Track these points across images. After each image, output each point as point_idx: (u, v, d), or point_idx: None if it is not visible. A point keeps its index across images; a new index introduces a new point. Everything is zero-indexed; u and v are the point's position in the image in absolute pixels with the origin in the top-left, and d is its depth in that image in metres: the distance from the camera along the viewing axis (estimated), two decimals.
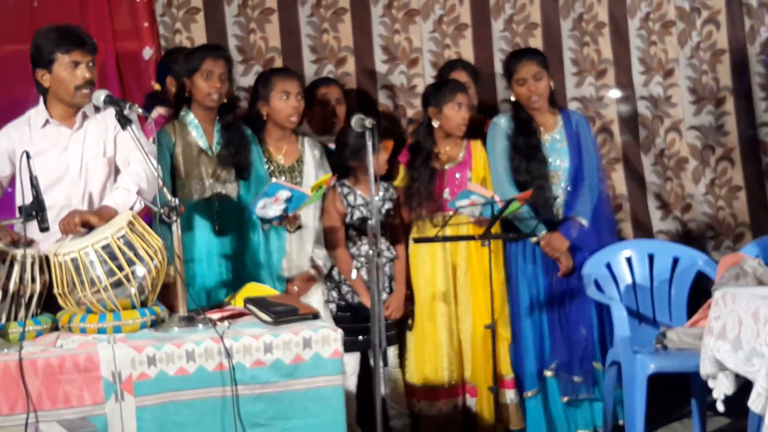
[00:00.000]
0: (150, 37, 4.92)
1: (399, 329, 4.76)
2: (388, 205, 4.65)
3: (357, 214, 4.59)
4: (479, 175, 4.84)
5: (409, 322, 4.81)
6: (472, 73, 5.15)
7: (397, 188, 4.76)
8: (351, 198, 4.59)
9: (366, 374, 4.58)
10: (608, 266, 4.84)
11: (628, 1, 5.68)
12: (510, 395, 4.83)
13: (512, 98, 4.87)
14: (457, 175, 4.81)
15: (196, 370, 3.15)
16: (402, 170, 4.83)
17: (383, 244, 4.58)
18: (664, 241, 4.74)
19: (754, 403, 3.44)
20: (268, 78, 4.53)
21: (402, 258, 4.72)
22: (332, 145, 4.75)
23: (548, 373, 4.83)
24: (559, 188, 4.82)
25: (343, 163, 4.57)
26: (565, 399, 4.83)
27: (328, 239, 4.59)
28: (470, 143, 4.88)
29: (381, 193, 4.63)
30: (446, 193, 4.79)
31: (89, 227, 3.41)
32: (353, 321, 4.52)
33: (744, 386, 3.59)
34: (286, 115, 4.45)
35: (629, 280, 4.85)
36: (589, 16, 5.65)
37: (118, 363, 3.09)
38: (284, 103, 4.44)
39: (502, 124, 4.86)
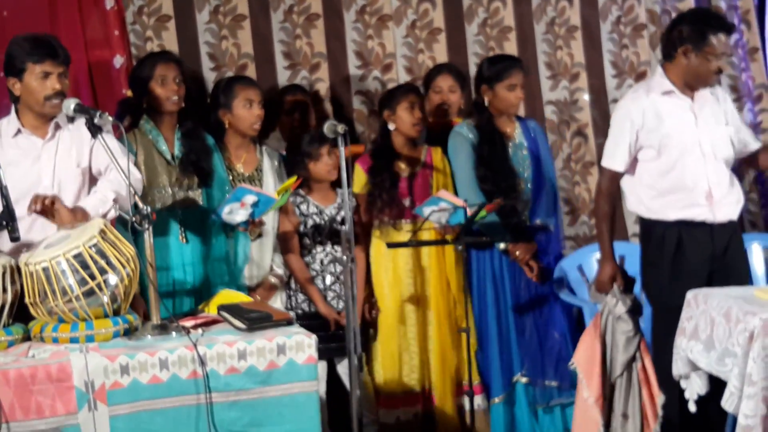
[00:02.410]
0: (121, 45, 4.90)
1: (363, 336, 4.74)
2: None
3: (311, 223, 4.59)
4: (440, 181, 4.84)
5: (371, 331, 4.80)
6: (458, 77, 5.17)
7: (356, 195, 4.75)
8: (304, 207, 4.60)
9: (332, 382, 4.58)
10: (580, 268, 4.85)
11: (600, 5, 5.71)
12: (477, 401, 4.83)
13: (485, 102, 4.85)
14: (419, 181, 4.81)
15: (169, 379, 3.14)
16: (360, 176, 4.82)
17: (341, 252, 4.59)
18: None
19: (728, 402, 3.46)
20: (230, 86, 4.54)
21: (362, 266, 4.72)
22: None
23: (520, 379, 4.82)
24: (525, 195, 4.84)
25: (297, 172, 4.56)
26: (540, 406, 4.83)
27: (283, 247, 4.60)
28: (431, 149, 4.89)
29: (338, 201, 4.63)
30: (407, 201, 4.78)
31: (53, 216, 3.40)
32: (312, 329, 4.51)
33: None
34: (250, 124, 4.46)
35: None
36: (561, 20, 5.68)
37: (91, 372, 3.07)
38: (248, 111, 4.46)
39: (464, 132, 4.84)
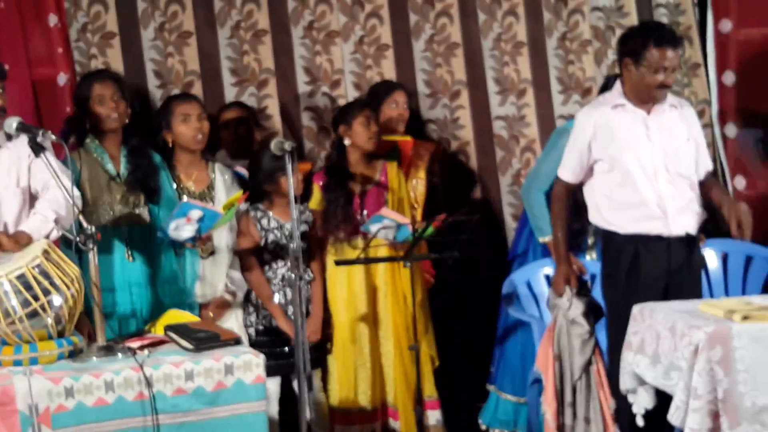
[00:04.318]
0: (65, 62, 4.85)
1: (320, 353, 4.74)
2: (303, 228, 4.63)
3: (271, 238, 4.57)
4: (395, 197, 4.86)
5: (328, 345, 4.79)
6: (408, 94, 5.21)
7: (313, 211, 4.75)
8: (265, 222, 4.58)
9: (287, 399, 4.56)
10: (528, 284, 4.88)
11: (546, 21, 5.76)
12: (435, 416, 4.83)
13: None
14: (377, 201, 4.82)
15: (115, 401, 3.11)
16: (317, 192, 4.81)
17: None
18: (579, 256, 4.78)
19: (674, 416, 3.49)
20: (167, 105, 4.56)
21: (319, 280, 4.71)
22: (241, 169, 4.73)
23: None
24: None
25: (257, 187, 4.55)
26: None
27: (243, 263, 4.57)
28: (386, 165, 4.90)
29: (296, 215, 4.62)
30: (364, 216, 4.79)
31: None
32: (272, 345, 4.50)
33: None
34: (190, 137, 4.44)
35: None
36: (507, 35, 5.72)
37: (35, 395, 3.03)
38: (185, 126, 4.44)
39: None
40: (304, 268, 4.58)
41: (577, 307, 4.11)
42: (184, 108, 4.46)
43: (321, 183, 4.82)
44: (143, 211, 4.28)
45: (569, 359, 4.11)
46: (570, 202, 4.37)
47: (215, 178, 4.54)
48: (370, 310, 4.78)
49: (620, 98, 4.19)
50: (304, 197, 4.73)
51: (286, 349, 4.47)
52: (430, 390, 4.83)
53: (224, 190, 4.53)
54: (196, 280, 4.44)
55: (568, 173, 4.29)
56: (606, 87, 4.67)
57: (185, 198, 4.32)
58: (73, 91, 4.46)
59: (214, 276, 4.51)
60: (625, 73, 4.18)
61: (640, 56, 4.08)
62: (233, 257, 4.56)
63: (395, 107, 5.10)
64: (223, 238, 4.50)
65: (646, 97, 4.16)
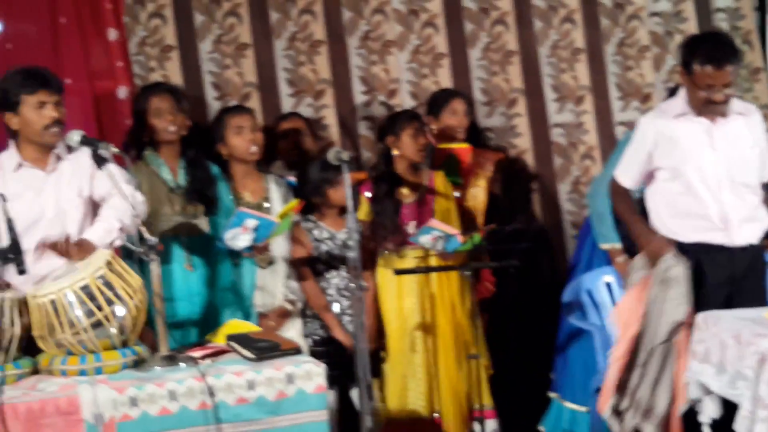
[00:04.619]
0: (124, 76, 4.91)
1: (374, 362, 4.72)
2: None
3: (324, 248, 4.58)
4: (442, 207, 4.84)
5: (382, 354, 4.78)
6: (469, 103, 5.21)
7: (362, 222, 4.74)
8: (316, 232, 4.59)
9: (344, 410, 4.55)
10: (589, 292, 4.84)
11: (603, 27, 5.72)
12: (492, 425, 4.81)
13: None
14: (423, 206, 4.81)
15: (179, 410, 3.12)
16: (364, 203, 4.81)
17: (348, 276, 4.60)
18: None
19: (741, 426, 3.43)
20: (220, 117, 4.59)
21: (371, 290, 4.70)
22: (291, 178, 4.75)
23: None
24: None
25: (308, 198, 4.56)
26: None
27: (297, 273, 4.59)
28: (433, 174, 4.88)
29: (353, 225, 4.63)
30: (412, 226, 4.77)
31: (63, 254, 3.40)
32: (329, 355, 4.50)
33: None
34: (245, 149, 4.47)
35: (610, 306, 4.82)
36: (565, 42, 5.69)
37: (100, 405, 3.05)
38: (239, 138, 4.47)
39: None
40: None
41: (679, 268, 4.00)
42: (237, 120, 4.49)
43: (369, 194, 4.82)
44: (202, 222, 4.31)
45: (656, 320, 3.99)
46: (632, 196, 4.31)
47: (270, 189, 4.57)
48: (422, 319, 4.76)
49: (683, 107, 4.12)
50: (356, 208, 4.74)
51: (343, 359, 4.46)
52: (486, 399, 4.80)
53: (280, 200, 4.54)
54: (255, 289, 4.46)
55: (626, 179, 4.24)
56: (672, 94, 4.61)
57: (241, 208, 4.34)
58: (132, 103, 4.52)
59: (273, 285, 4.52)
60: (682, 82, 4.12)
61: (689, 70, 4.02)
62: (291, 268, 4.57)
63: (454, 115, 5.09)
64: (281, 248, 4.51)
65: (698, 108, 4.08)
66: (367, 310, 4.64)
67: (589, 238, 5.00)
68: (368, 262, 4.72)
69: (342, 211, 4.62)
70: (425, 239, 4.57)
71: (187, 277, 4.26)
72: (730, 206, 4.06)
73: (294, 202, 4.29)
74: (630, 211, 4.29)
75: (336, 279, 4.59)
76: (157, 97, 4.30)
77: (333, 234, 4.59)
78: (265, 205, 4.53)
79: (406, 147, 4.76)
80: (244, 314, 4.35)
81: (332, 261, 4.59)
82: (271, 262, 4.51)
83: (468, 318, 4.78)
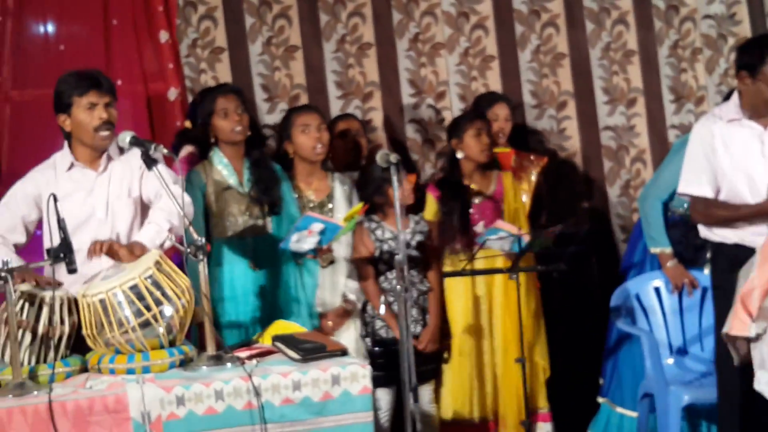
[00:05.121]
0: (175, 78, 4.96)
1: (436, 363, 4.72)
2: (419, 238, 4.63)
3: (386, 248, 4.58)
4: (511, 208, 4.84)
5: (445, 355, 4.78)
6: (511, 107, 5.19)
7: (430, 222, 4.74)
8: (379, 232, 4.59)
9: (402, 409, 4.54)
10: (637, 297, 4.79)
11: (656, 29, 5.66)
12: (546, 428, 4.78)
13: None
14: (491, 207, 4.80)
15: (225, 410, 3.14)
16: (431, 203, 4.81)
17: (416, 277, 4.58)
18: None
19: None
20: (288, 116, 4.61)
21: (436, 290, 4.69)
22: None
23: None
24: None
25: (369, 199, 4.57)
26: None
27: (359, 273, 4.59)
28: (501, 175, 4.88)
29: (411, 226, 4.63)
30: (480, 227, 4.77)
31: (115, 257, 3.43)
32: (387, 356, 4.50)
33: None
34: (310, 148, 4.48)
35: (659, 311, 4.78)
36: (617, 44, 5.64)
37: (147, 403, 3.09)
38: (305, 136, 4.49)
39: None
40: (420, 278, 4.62)
41: None
42: (304, 119, 4.51)
43: (436, 195, 4.82)
44: (267, 222, 4.34)
45: None
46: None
47: (335, 188, 4.58)
48: (486, 320, 4.76)
49: (736, 112, 4.05)
50: (416, 208, 4.73)
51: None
52: (542, 402, 4.77)
53: (343, 199, 4.56)
54: (317, 289, 4.48)
55: (705, 188, 4.06)
56: (727, 98, 4.54)
57: (308, 211, 4.36)
58: (193, 104, 4.54)
59: (333, 285, 4.54)
60: (741, 87, 4.03)
61: (757, 70, 3.93)
62: (352, 267, 4.58)
63: (495, 120, 5.08)
64: (342, 248, 4.53)
65: (763, 111, 4.02)
66: (432, 310, 4.64)
67: (640, 242, 4.95)
68: (433, 262, 4.71)
69: (405, 211, 4.63)
70: (492, 240, 4.56)
71: (252, 276, 4.29)
72: None
73: (359, 206, 4.31)
74: (726, 207, 4.05)
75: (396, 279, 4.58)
76: (224, 97, 4.33)
77: (395, 234, 4.59)
78: (329, 205, 4.54)
79: (469, 148, 4.77)
80: (307, 314, 4.37)
81: (393, 261, 4.58)
82: (332, 262, 4.52)
83: (532, 319, 4.78)
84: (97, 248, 3.48)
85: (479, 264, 4.69)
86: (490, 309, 4.78)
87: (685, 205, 4.57)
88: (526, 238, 4.56)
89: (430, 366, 4.65)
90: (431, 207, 4.82)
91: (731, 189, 4.02)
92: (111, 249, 3.49)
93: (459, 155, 4.80)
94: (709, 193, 4.10)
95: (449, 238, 4.75)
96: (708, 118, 4.16)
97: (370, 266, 4.59)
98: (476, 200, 4.83)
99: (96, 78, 3.71)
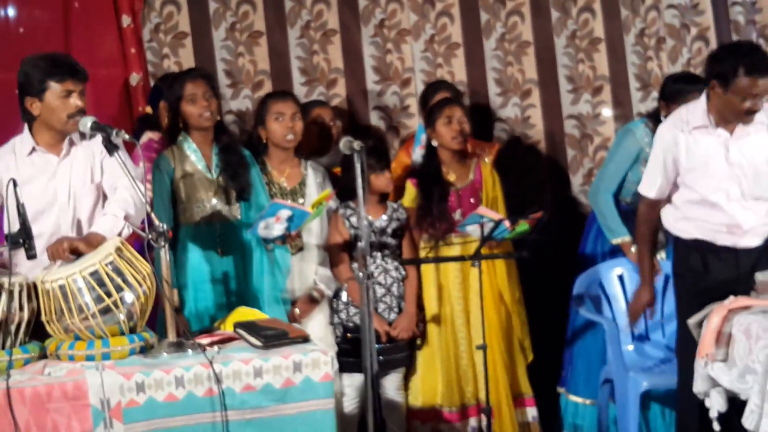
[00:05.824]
0: (137, 63, 4.93)
1: (410, 351, 4.72)
2: (395, 225, 4.63)
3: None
4: (489, 196, 4.84)
5: (418, 342, 4.78)
6: (454, 93, 5.14)
7: (408, 208, 4.75)
8: (354, 219, 4.58)
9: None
10: (600, 284, 4.82)
11: (623, 18, 5.68)
12: (532, 413, 4.83)
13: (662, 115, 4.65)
14: (471, 200, 4.81)
15: (185, 396, 3.14)
16: (410, 190, 4.82)
17: (391, 264, 4.58)
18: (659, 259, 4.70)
19: (748, 420, 3.42)
20: (264, 102, 4.60)
21: (412, 278, 4.69)
22: None
23: None
24: None
25: (348, 185, 4.55)
26: None
27: (332, 260, 4.60)
28: (480, 163, 4.89)
29: (389, 213, 4.63)
30: (458, 214, 4.77)
31: (77, 254, 3.41)
32: (356, 342, 4.49)
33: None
34: (282, 136, 4.47)
35: (621, 298, 4.81)
36: (583, 32, 5.66)
37: (107, 390, 3.08)
38: (279, 124, 4.47)
39: (638, 133, 4.76)
40: (395, 266, 4.62)
41: None
42: (278, 107, 4.49)
43: (414, 181, 4.82)
44: (235, 208, 4.32)
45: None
46: (657, 221, 4.26)
47: (307, 175, 4.57)
48: (461, 307, 4.76)
49: (703, 119, 4.06)
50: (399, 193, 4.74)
51: (376, 346, 4.45)
52: (525, 387, 4.82)
53: (315, 187, 4.55)
54: (288, 275, 4.47)
55: (654, 190, 4.15)
56: (663, 92, 4.71)
57: (274, 199, 4.35)
58: (155, 91, 4.50)
59: (303, 272, 4.53)
60: (711, 95, 4.02)
61: (729, 82, 3.92)
62: (323, 254, 4.58)
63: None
64: (312, 235, 4.52)
65: (731, 120, 4.02)
66: (408, 298, 4.65)
67: (593, 230, 4.99)
68: (410, 249, 4.71)
69: (382, 198, 4.62)
70: (472, 227, 4.57)
71: (219, 263, 4.27)
72: (741, 219, 4.02)
73: (327, 191, 4.30)
74: (647, 246, 4.28)
75: (371, 266, 4.57)
76: (192, 82, 4.28)
77: (370, 221, 4.59)
78: (301, 191, 4.53)
79: (441, 136, 4.77)
80: (276, 301, 4.35)
81: (369, 248, 4.56)
82: (301, 249, 4.51)
83: (516, 305, 4.83)
84: (61, 251, 3.43)
85: (457, 251, 4.70)
86: (465, 297, 4.77)
87: (633, 195, 4.62)
88: (507, 225, 4.54)
89: (402, 353, 4.66)
90: (410, 193, 4.82)
91: (698, 194, 4.05)
92: (72, 248, 3.45)
93: (434, 143, 4.80)
94: (656, 195, 4.18)
95: (427, 224, 4.75)
96: (674, 122, 4.14)
97: (343, 252, 4.59)
98: (455, 188, 4.80)
99: (73, 65, 3.67)
